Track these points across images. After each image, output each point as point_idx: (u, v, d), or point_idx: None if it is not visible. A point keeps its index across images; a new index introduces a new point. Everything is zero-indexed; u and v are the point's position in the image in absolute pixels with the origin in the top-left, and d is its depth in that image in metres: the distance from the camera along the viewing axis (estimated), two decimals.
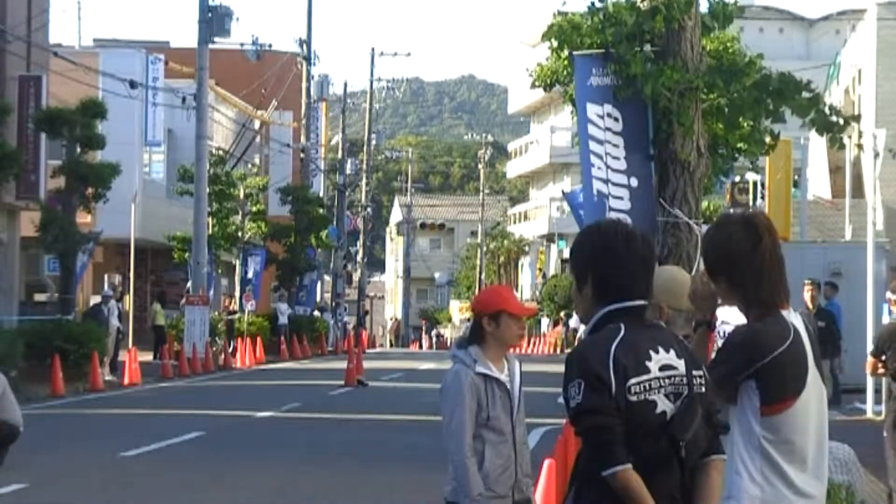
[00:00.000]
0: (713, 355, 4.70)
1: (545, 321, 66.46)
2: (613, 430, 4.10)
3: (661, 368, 4.21)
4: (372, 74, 74.77)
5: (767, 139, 16.24)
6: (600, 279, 4.32)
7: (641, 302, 4.30)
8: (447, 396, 6.30)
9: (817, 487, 4.56)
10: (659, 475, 4.15)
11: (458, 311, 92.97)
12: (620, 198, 14.30)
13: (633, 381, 4.15)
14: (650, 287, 4.35)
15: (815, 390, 4.54)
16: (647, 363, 4.19)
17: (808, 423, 4.51)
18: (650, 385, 4.18)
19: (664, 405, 4.19)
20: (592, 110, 14.46)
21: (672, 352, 4.26)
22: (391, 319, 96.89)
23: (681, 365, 4.25)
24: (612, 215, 12.90)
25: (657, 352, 4.23)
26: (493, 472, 6.22)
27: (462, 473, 6.20)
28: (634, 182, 14.43)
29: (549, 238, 78.42)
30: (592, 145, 14.24)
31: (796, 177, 32.55)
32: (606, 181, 14.24)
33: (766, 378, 4.45)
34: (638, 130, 14.62)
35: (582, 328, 6.63)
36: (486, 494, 6.20)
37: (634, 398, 4.14)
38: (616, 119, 14.49)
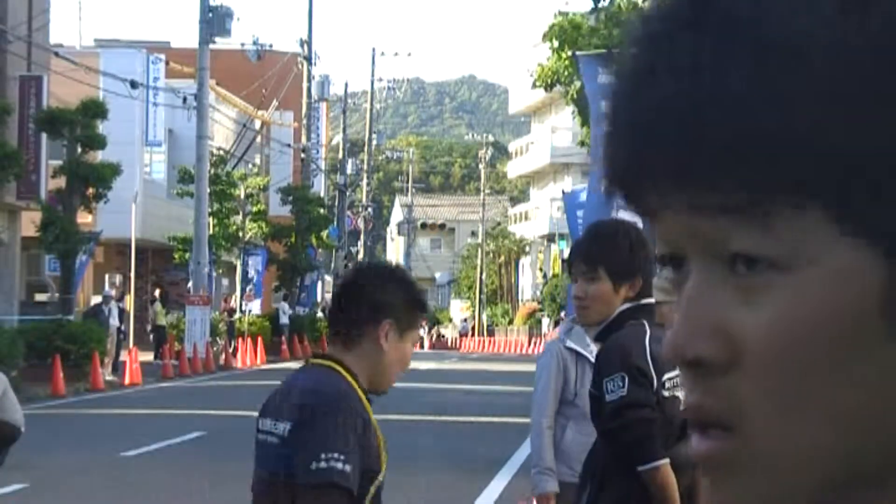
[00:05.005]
0: None
1: (546, 321, 66.41)
2: (655, 423, 4.09)
3: None
4: (373, 74, 74.77)
5: None
6: None
7: (652, 300, 4.29)
8: (538, 366, 6.24)
9: None
10: (678, 472, 4.13)
11: (459, 311, 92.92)
12: None
13: (667, 375, 4.16)
14: (648, 286, 4.34)
15: None
16: None
17: None
18: (679, 381, 4.17)
19: None
20: None
21: None
22: None
23: None
24: (622, 215, 12.89)
25: None
26: (575, 449, 5.81)
27: (534, 442, 6.12)
28: None
29: (550, 238, 78.39)
30: None
31: None
32: None
33: None
34: None
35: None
36: (567, 472, 5.93)
37: (667, 393, 4.15)
38: None
